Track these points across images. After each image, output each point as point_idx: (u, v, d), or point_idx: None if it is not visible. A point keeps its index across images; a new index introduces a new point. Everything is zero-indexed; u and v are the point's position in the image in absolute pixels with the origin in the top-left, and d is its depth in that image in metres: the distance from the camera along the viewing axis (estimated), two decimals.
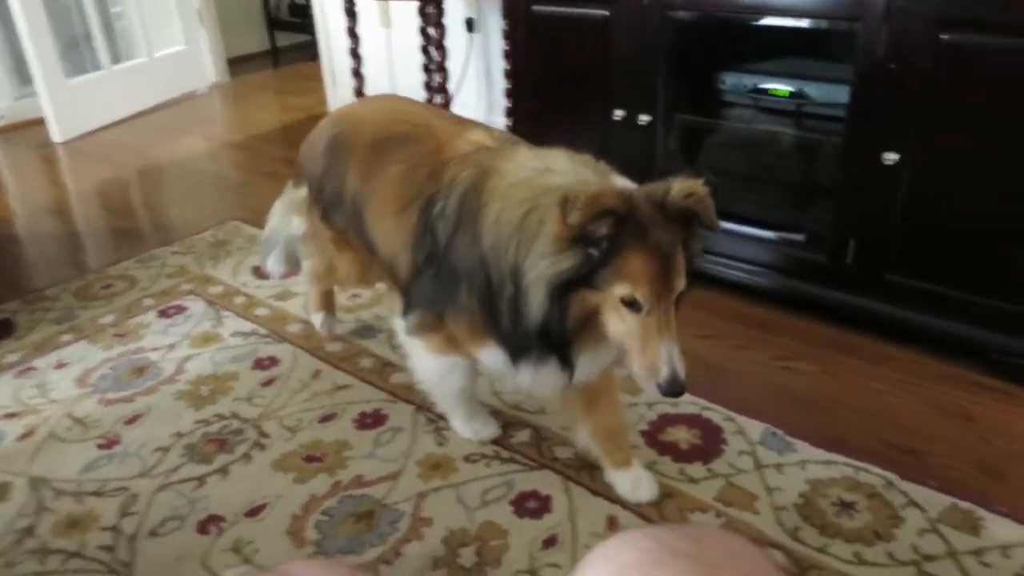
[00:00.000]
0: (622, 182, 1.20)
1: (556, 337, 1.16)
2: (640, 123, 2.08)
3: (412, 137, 1.43)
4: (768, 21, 1.94)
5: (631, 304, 1.10)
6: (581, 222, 1.06)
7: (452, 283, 1.31)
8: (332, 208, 1.58)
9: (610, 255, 1.09)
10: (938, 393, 1.67)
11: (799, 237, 2.00)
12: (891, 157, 1.69)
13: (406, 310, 1.46)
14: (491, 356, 1.33)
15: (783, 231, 2.03)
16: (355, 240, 1.58)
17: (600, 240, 1.09)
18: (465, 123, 1.46)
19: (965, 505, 1.37)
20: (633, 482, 1.42)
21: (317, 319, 1.96)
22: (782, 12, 1.87)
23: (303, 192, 1.68)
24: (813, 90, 1.98)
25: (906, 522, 1.34)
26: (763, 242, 2.02)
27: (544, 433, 1.59)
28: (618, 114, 2.11)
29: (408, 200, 1.38)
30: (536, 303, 1.14)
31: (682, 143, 2.22)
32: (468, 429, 1.58)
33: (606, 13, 2.06)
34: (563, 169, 1.21)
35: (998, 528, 1.32)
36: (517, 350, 1.25)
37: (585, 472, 1.48)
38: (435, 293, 1.36)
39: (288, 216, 1.76)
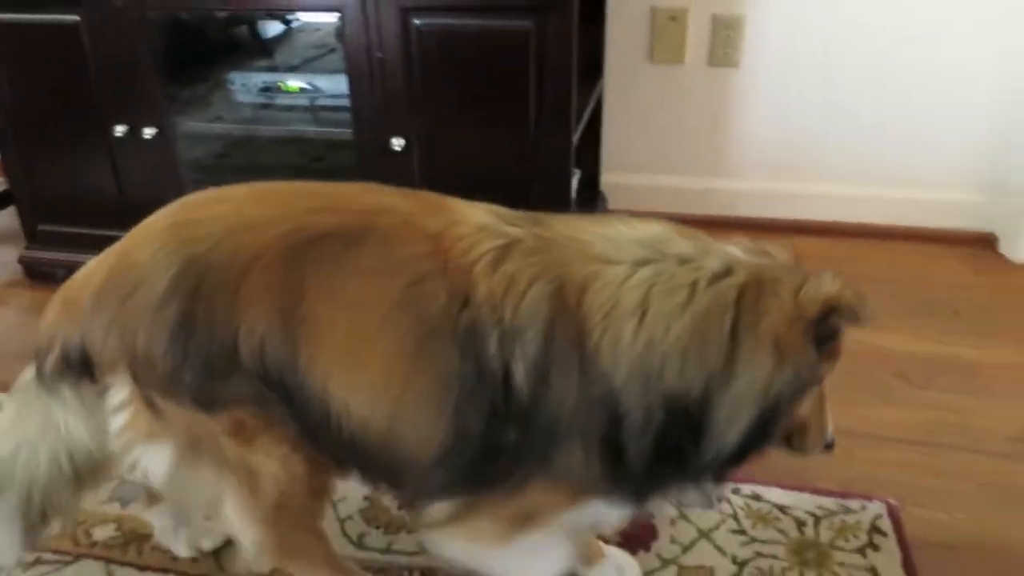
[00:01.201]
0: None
1: (747, 453, 0.89)
2: (146, 137, 1.88)
3: (375, 231, 0.93)
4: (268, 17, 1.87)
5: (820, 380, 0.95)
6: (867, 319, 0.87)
7: (546, 443, 0.90)
8: (212, 382, 0.93)
9: (827, 344, 0.89)
10: None
11: None
12: (398, 143, 1.73)
13: (425, 496, 0.97)
14: (589, 512, 0.98)
15: None
16: (275, 415, 0.95)
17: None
18: (425, 197, 1.01)
19: None
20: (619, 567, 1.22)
21: None
22: (269, 8, 1.81)
23: (122, 391, 0.95)
24: (323, 83, 1.96)
25: None
26: None
27: (79, 516, 1.37)
28: (119, 130, 1.88)
29: (421, 336, 0.90)
30: (739, 427, 0.86)
31: (201, 153, 2.07)
32: None
33: (75, 18, 1.80)
34: (688, 252, 0.90)
35: None
36: (652, 489, 0.95)
37: (132, 547, 1.30)
38: (508, 465, 0.92)
39: (56, 445, 1.00)
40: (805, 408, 0.94)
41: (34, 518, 1.01)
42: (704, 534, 1.30)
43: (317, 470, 1.01)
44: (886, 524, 1.32)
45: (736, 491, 1.38)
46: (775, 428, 0.88)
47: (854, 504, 1.36)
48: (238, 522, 1.03)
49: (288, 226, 0.92)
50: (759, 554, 1.27)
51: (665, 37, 2.15)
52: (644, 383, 0.86)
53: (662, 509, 1.05)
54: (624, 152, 2.31)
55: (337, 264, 0.91)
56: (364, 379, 0.91)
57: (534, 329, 0.87)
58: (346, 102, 1.83)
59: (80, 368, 0.96)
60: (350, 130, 1.80)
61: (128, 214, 1.04)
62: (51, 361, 0.96)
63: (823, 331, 0.87)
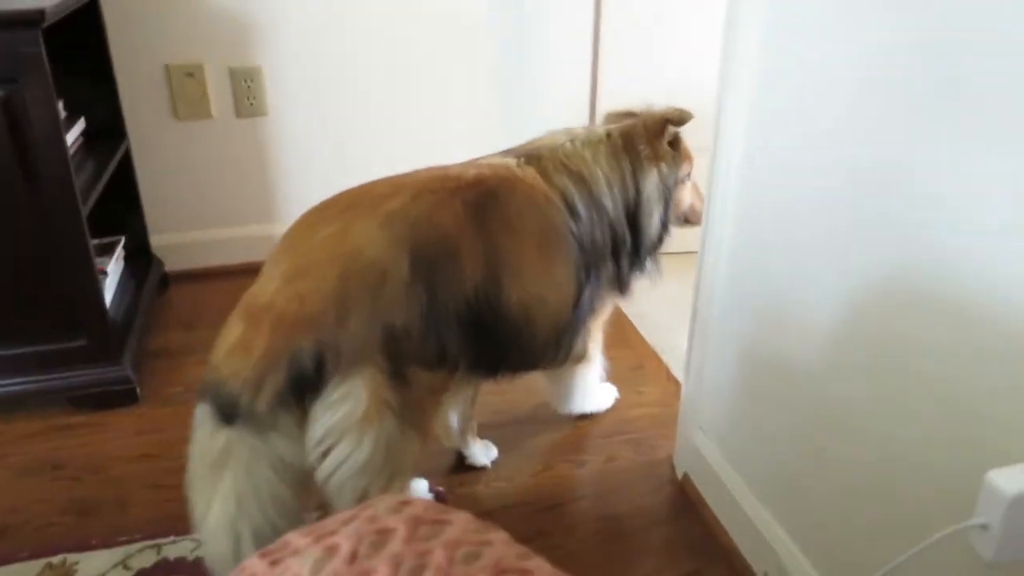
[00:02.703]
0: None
1: (664, 233, 1.50)
2: None
3: (495, 189, 1.25)
4: None
5: (688, 173, 1.52)
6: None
7: (598, 271, 1.40)
8: (449, 335, 1.14)
9: (676, 146, 1.48)
10: (25, 455, 1.62)
11: None
12: None
13: (571, 342, 1.43)
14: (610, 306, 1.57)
15: None
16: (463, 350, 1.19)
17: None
18: (468, 163, 1.33)
19: (57, 559, 1.35)
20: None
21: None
22: None
23: (358, 379, 1.04)
24: None
25: None
26: None
27: None
28: None
29: (563, 241, 1.33)
30: (658, 219, 1.46)
31: None
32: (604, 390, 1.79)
33: None
34: (584, 133, 1.44)
35: (90, 564, 1.35)
36: (629, 280, 1.50)
37: None
38: (596, 296, 1.43)
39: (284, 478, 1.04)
40: (688, 196, 1.54)
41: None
42: None
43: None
44: None
45: None
46: (671, 211, 1.49)
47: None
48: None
49: (459, 202, 1.18)
50: None
51: (186, 94, 2.15)
52: (617, 213, 1.40)
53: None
54: (169, 212, 2.26)
55: (498, 217, 1.23)
56: (552, 282, 1.31)
57: (581, 204, 1.35)
58: None
59: (310, 381, 1.02)
60: None
61: None
62: (268, 393, 1.00)
63: (668, 135, 1.45)
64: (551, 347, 1.38)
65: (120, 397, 1.76)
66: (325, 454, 1.04)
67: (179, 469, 1.56)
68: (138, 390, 1.78)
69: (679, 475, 1.57)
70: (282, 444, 1.02)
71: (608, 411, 1.78)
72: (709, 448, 1.46)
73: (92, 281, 1.69)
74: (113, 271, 1.98)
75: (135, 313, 1.95)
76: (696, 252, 1.44)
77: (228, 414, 1.01)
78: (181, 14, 2.08)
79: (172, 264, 2.28)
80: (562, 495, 1.55)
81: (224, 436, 1.02)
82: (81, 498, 1.51)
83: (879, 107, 0.94)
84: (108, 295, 1.88)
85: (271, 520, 1.03)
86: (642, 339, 2.04)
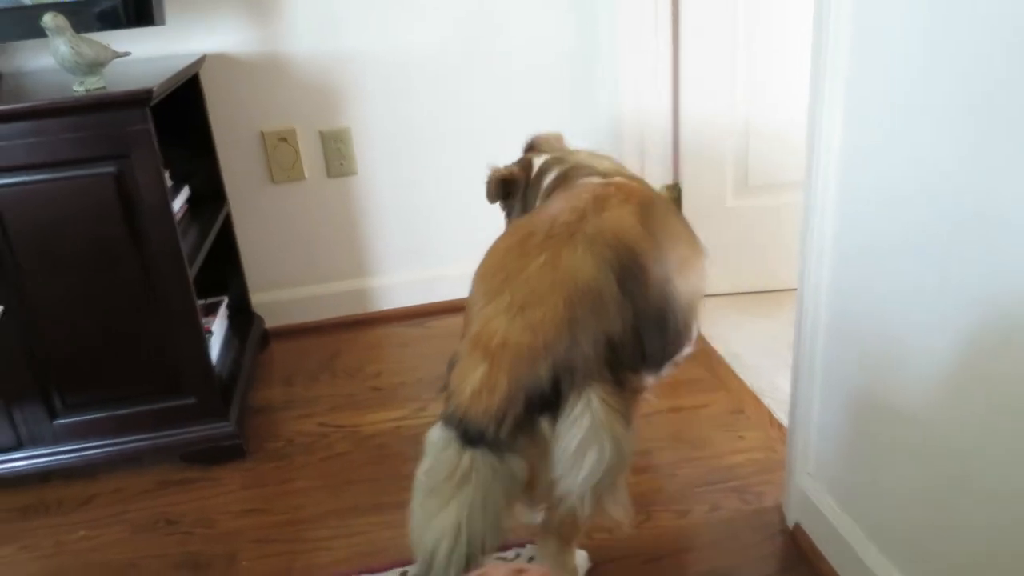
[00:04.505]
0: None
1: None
2: None
3: (646, 200, 1.33)
4: None
5: None
6: None
7: None
8: (646, 342, 1.24)
9: None
10: (142, 511, 1.68)
11: None
12: None
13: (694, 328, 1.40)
14: None
15: None
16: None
17: None
18: (596, 186, 1.40)
19: None
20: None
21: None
22: None
23: (591, 393, 1.15)
24: None
25: None
26: None
27: None
28: None
29: (692, 237, 1.40)
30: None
31: None
32: None
33: None
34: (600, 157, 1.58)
35: None
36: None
37: None
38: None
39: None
40: None
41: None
42: None
43: None
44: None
45: None
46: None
47: (509, 555, 1.47)
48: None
49: (629, 216, 1.27)
50: None
51: (280, 158, 2.24)
52: None
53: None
54: (268, 271, 2.35)
55: (656, 223, 1.28)
56: (701, 274, 1.37)
57: None
58: None
59: (548, 402, 1.12)
60: None
61: None
62: (510, 423, 1.11)
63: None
64: (685, 332, 1.44)
65: (228, 452, 1.81)
66: (578, 465, 1.15)
67: (284, 523, 1.62)
68: (244, 445, 1.83)
69: (790, 525, 1.50)
70: (515, 463, 1.14)
71: (709, 458, 1.73)
72: (821, 496, 1.39)
73: (199, 341, 1.76)
74: (218, 330, 2.06)
75: (239, 370, 2.02)
76: (788, 290, 1.40)
77: (473, 440, 1.13)
78: (273, 84, 2.18)
79: (272, 321, 2.36)
80: (666, 547, 1.50)
81: (469, 456, 1.13)
82: (194, 553, 1.55)
83: (987, 130, 0.89)
84: (214, 353, 1.96)
85: (487, 527, 1.14)
86: (740, 381, 1.97)
